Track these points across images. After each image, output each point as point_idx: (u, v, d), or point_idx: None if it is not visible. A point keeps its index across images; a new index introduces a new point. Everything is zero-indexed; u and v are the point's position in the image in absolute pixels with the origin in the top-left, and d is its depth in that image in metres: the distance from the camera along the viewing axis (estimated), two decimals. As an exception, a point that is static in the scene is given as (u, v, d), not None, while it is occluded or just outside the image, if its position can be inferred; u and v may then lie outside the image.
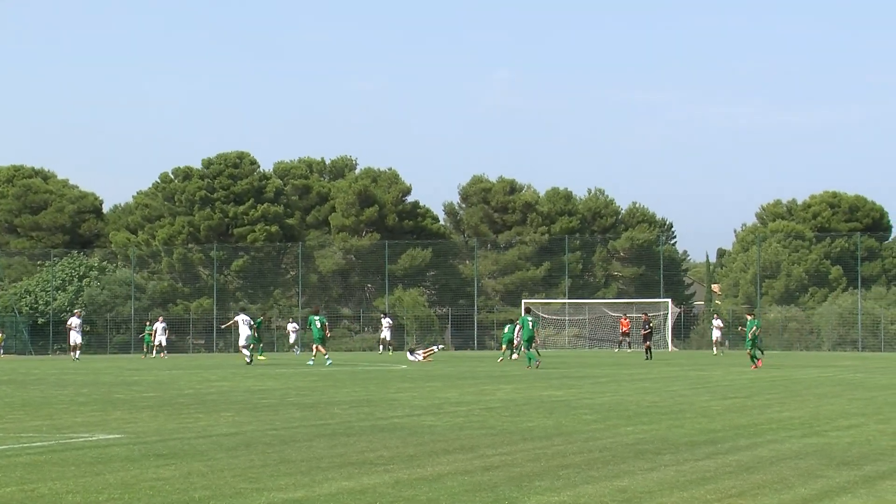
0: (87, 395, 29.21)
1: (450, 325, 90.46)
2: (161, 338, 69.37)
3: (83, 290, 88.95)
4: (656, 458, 15.60)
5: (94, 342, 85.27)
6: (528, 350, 47.90)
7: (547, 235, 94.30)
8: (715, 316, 71.41)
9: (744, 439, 17.98)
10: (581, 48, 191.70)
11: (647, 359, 56.94)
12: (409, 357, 57.27)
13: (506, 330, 56.93)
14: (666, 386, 32.83)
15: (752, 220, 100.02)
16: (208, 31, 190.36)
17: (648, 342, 60.55)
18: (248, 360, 53.38)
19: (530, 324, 49.09)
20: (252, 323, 56.40)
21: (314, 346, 50.19)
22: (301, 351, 73.16)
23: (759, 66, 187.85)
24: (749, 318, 50.29)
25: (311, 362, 50.73)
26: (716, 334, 68.77)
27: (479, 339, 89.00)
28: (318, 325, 49.36)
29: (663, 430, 19.35)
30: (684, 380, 36.52)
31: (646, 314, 64.95)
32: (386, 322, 73.65)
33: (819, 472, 14.36)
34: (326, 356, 50.20)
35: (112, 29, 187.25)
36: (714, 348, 67.19)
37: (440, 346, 63.63)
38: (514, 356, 54.88)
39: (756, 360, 46.87)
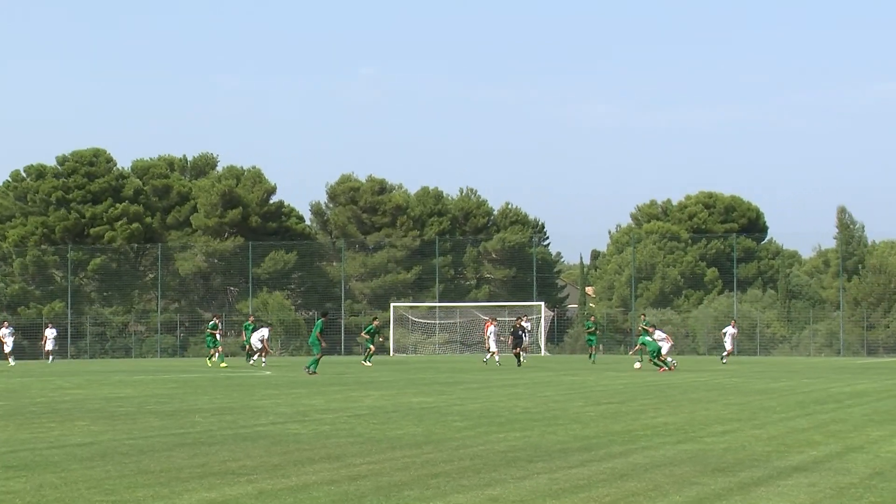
0: (-70, 405, 28.22)
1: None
2: (9, 342, 66.53)
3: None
4: (528, 466, 15.33)
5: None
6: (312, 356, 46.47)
7: (419, 241, 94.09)
8: (733, 323, 64.63)
9: (618, 446, 17.77)
10: (450, 45, 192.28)
11: (518, 365, 53.74)
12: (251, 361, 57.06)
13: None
14: (539, 391, 32.65)
15: (626, 221, 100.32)
16: (62, 18, 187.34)
17: (518, 348, 55.66)
18: (251, 361, 56.12)
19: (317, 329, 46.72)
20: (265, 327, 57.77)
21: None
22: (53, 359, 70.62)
23: (633, 65, 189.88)
24: (648, 330, 50.50)
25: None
26: (728, 342, 61.97)
27: (345, 344, 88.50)
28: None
29: (536, 437, 19.08)
30: (557, 385, 36.37)
31: (518, 318, 60.41)
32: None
33: (694, 479, 14.19)
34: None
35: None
36: (723, 358, 60.23)
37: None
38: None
39: (664, 366, 47.73)
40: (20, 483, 13.87)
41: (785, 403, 27.24)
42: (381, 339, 62.04)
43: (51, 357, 69.44)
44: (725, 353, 60.44)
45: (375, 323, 59.67)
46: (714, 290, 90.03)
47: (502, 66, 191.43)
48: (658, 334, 50.33)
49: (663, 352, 49.27)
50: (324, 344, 47.20)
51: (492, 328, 58.37)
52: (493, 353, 56.88)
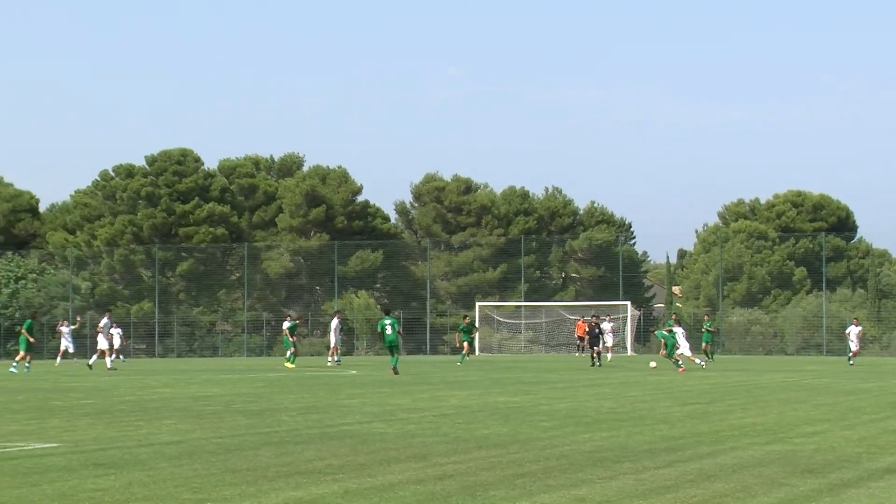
0: (23, 402, 28.45)
1: (401, 329, 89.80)
2: (112, 341, 67.43)
3: (19, 293, 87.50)
4: (615, 467, 15.22)
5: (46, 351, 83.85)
6: (394, 356, 44.97)
7: (503, 238, 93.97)
8: (855, 321, 63.00)
9: (705, 446, 17.61)
10: (536, 44, 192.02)
11: (592, 365, 53.20)
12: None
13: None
14: (625, 392, 32.46)
15: (713, 220, 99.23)
16: (149, 25, 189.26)
17: (597, 347, 54.93)
18: (334, 362, 56.18)
19: (388, 328, 44.85)
20: (340, 327, 57.75)
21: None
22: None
23: (721, 63, 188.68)
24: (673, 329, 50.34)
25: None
26: (854, 343, 60.04)
27: (431, 343, 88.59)
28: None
29: (622, 438, 18.95)
30: (644, 385, 36.11)
31: (595, 316, 59.28)
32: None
33: (783, 480, 14.04)
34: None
35: (49, 21, 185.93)
36: (850, 359, 58.31)
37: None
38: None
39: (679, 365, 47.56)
40: (109, 481, 13.95)
41: (876, 404, 26.90)
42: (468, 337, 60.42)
43: (120, 356, 69.19)
44: (852, 354, 59.34)
45: (466, 321, 59.12)
46: (802, 289, 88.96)
47: (588, 66, 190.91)
48: (679, 332, 50.57)
49: (683, 352, 49.27)
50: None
51: (607, 325, 57.88)
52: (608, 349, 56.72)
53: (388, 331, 44.55)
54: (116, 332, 67.61)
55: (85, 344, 74.52)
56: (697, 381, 38.39)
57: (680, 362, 47.85)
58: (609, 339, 57.20)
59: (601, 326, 56.38)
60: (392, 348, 44.80)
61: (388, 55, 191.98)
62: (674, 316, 64.08)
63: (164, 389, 34.42)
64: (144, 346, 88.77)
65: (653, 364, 50.15)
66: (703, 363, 52.32)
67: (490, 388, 33.78)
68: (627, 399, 29.00)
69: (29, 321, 52.21)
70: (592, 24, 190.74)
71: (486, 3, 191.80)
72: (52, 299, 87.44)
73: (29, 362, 50.56)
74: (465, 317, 61.74)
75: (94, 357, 52.29)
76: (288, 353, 53.71)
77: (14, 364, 50.67)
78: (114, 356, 66.22)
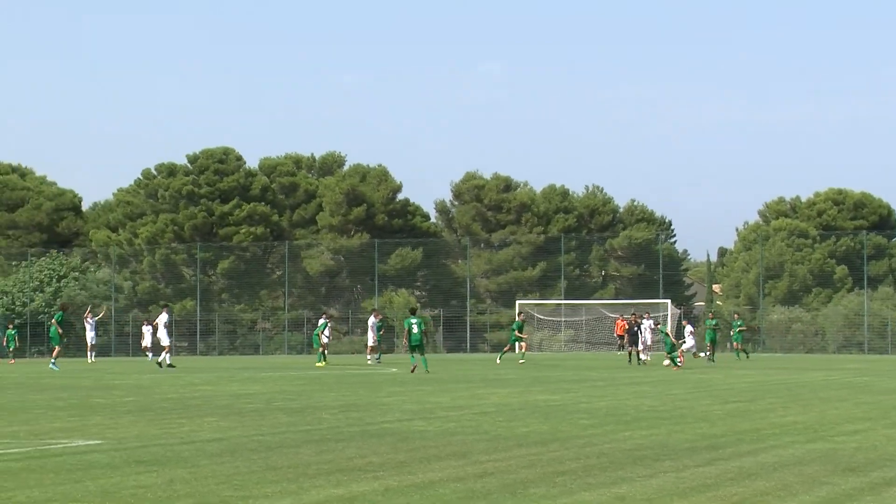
0: (66, 399, 28.61)
1: (441, 327, 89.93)
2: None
3: (62, 291, 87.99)
4: (655, 465, 15.22)
5: (73, 344, 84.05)
6: (422, 356, 44.54)
7: (542, 236, 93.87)
8: None
9: (746, 445, 17.58)
10: (575, 41, 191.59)
11: (629, 363, 52.99)
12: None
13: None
14: (665, 390, 32.39)
15: (754, 218, 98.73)
16: (191, 24, 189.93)
17: (636, 346, 54.42)
18: (374, 360, 55.98)
19: (415, 327, 44.68)
20: (377, 325, 57.46)
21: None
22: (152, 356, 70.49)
23: (760, 61, 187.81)
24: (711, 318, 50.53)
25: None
26: None
27: (471, 341, 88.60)
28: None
29: (663, 436, 18.93)
30: (684, 383, 36.01)
31: (634, 314, 58.66)
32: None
33: (824, 479, 14.02)
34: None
35: (91, 22, 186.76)
36: None
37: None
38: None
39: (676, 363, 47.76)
40: (151, 478, 14.05)
41: (919, 403, 26.79)
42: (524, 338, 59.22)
43: (149, 354, 69.35)
44: None
45: (521, 318, 58.08)
46: (843, 287, 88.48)
47: (627, 64, 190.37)
48: (686, 329, 50.74)
49: (686, 349, 49.51)
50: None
51: (647, 323, 56.98)
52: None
53: (415, 329, 44.50)
54: (147, 331, 67.97)
55: (116, 336, 75.08)
56: (737, 380, 38.31)
57: (676, 360, 48.00)
58: (649, 338, 56.28)
59: (641, 325, 55.75)
60: (417, 347, 44.56)
61: (428, 53, 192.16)
62: (710, 314, 64.01)
63: (206, 387, 34.56)
64: (186, 344, 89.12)
65: (645, 358, 50.50)
66: (706, 357, 52.56)
67: (530, 387, 33.75)
68: (668, 397, 28.97)
69: (60, 313, 52.42)
70: (634, 21, 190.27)
71: (526, 0, 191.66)
72: (95, 297, 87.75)
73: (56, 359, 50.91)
74: (519, 313, 60.88)
75: (164, 355, 52.24)
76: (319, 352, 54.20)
77: (52, 361, 50.90)
78: (150, 355, 66.90)
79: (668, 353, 48.46)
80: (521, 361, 53.86)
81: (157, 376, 42.71)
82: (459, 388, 33.02)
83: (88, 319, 62.95)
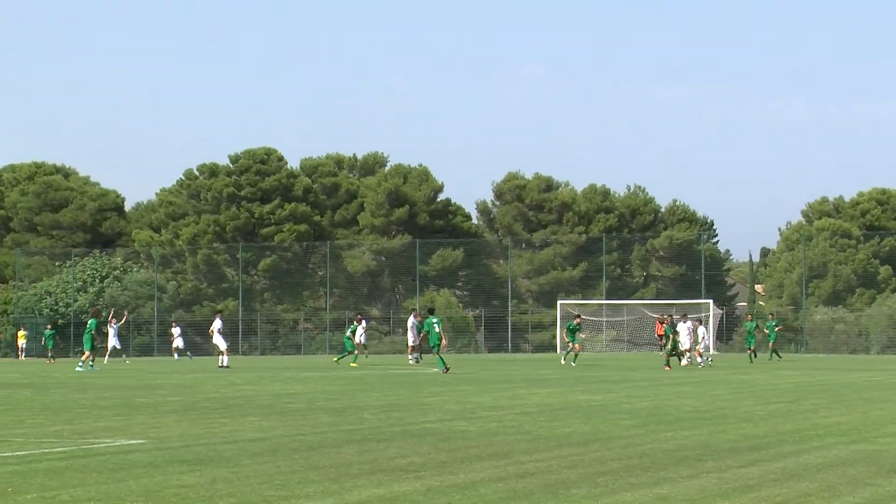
0: (109, 399, 28.83)
1: (483, 327, 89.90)
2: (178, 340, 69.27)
3: (104, 291, 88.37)
4: (698, 465, 15.15)
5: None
6: (438, 355, 44.78)
7: (584, 236, 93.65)
8: None
9: (789, 445, 17.47)
10: (617, 42, 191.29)
11: (669, 367, 49.56)
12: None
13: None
14: (708, 390, 32.29)
15: (797, 218, 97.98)
16: (234, 26, 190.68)
17: (675, 348, 51.31)
18: (415, 360, 56.04)
19: (436, 326, 45.16)
20: (417, 325, 56.63)
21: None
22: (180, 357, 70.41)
23: (804, 61, 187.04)
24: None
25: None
26: None
27: (512, 342, 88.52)
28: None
29: (705, 436, 18.85)
30: (727, 384, 35.89)
31: (669, 316, 57.24)
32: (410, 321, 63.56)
33: (868, 480, 13.88)
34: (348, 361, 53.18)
35: (134, 24, 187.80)
36: None
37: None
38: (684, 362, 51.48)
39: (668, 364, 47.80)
40: (194, 477, 14.10)
41: (963, 404, 26.60)
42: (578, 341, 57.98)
43: (176, 354, 69.70)
44: None
45: (578, 321, 56.68)
46: (888, 288, 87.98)
47: (669, 64, 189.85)
48: (682, 328, 50.44)
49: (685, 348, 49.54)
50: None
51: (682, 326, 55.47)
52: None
53: (437, 329, 45.02)
54: (176, 331, 68.65)
55: (159, 337, 75.16)
56: (780, 380, 38.13)
57: (669, 362, 47.86)
58: (686, 342, 53.35)
59: (676, 328, 53.32)
60: (436, 347, 44.99)
61: (470, 54, 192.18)
62: (749, 317, 63.48)
63: (248, 387, 34.67)
64: (229, 344, 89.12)
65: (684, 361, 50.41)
66: (702, 362, 52.06)
67: (572, 387, 33.71)
68: (710, 398, 28.87)
69: (94, 320, 52.77)
70: (676, 21, 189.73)
71: (567, 1, 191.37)
72: (138, 298, 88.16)
73: (94, 360, 51.24)
74: (577, 316, 59.11)
75: (223, 358, 52.76)
76: (353, 353, 54.85)
77: (80, 364, 51.35)
78: (177, 356, 67.40)
79: (669, 354, 48.39)
80: (563, 362, 53.74)
81: (198, 376, 43.02)
82: (501, 389, 33.00)
83: (112, 324, 63.34)
